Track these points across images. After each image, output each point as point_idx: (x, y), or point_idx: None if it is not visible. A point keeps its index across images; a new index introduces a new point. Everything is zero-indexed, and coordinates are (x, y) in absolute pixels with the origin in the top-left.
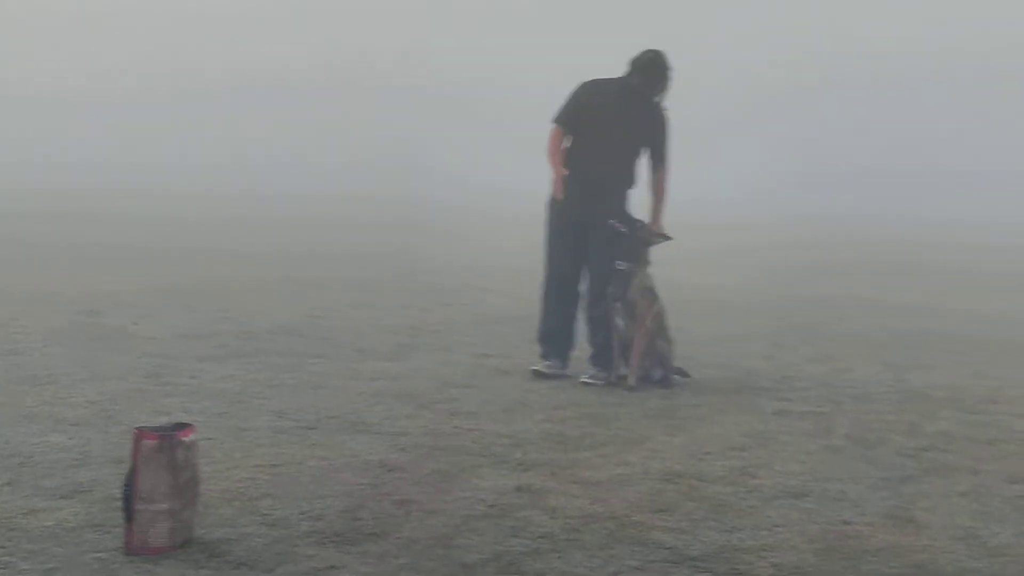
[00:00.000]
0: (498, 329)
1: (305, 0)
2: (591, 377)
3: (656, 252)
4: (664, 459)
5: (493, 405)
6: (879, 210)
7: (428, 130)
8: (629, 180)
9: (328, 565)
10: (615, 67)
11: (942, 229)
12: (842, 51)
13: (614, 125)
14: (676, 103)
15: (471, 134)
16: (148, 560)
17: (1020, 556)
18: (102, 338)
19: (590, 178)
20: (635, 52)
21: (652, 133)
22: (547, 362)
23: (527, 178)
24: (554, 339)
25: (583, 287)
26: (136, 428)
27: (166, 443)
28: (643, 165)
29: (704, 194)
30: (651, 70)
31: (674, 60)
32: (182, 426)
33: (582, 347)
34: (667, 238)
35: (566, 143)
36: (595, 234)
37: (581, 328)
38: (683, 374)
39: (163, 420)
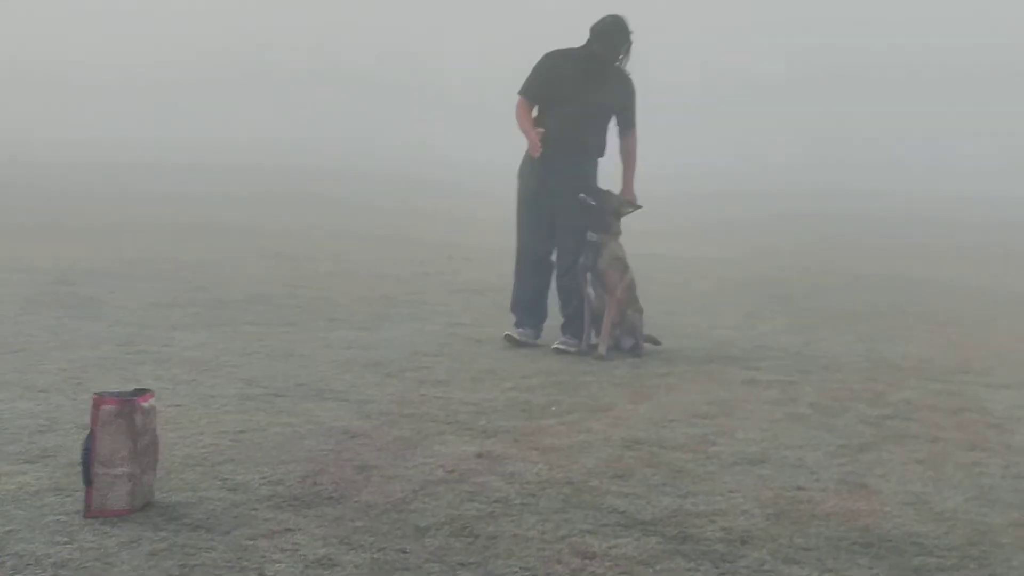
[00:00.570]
0: (474, 300)
1: None
2: (563, 343)
3: (639, 222)
4: (627, 427)
5: (462, 373)
6: (882, 187)
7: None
8: (597, 149)
9: (284, 528)
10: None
11: (943, 206)
12: (859, 40)
13: (579, 94)
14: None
15: (439, 109)
16: (107, 522)
17: (966, 520)
18: (75, 307)
19: (558, 148)
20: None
21: (618, 99)
22: (520, 330)
23: (499, 153)
24: (527, 309)
25: (555, 257)
26: (95, 393)
27: (125, 408)
28: (612, 132)
29: (717, 162)
30: (609, 35)
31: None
32: (142, 391)
33: (554, 316)
34: (636, 207)
35: (533, 114)
36: (565, 204)
37: (553, 298)
38: (654, 342)
39: (131, 387)
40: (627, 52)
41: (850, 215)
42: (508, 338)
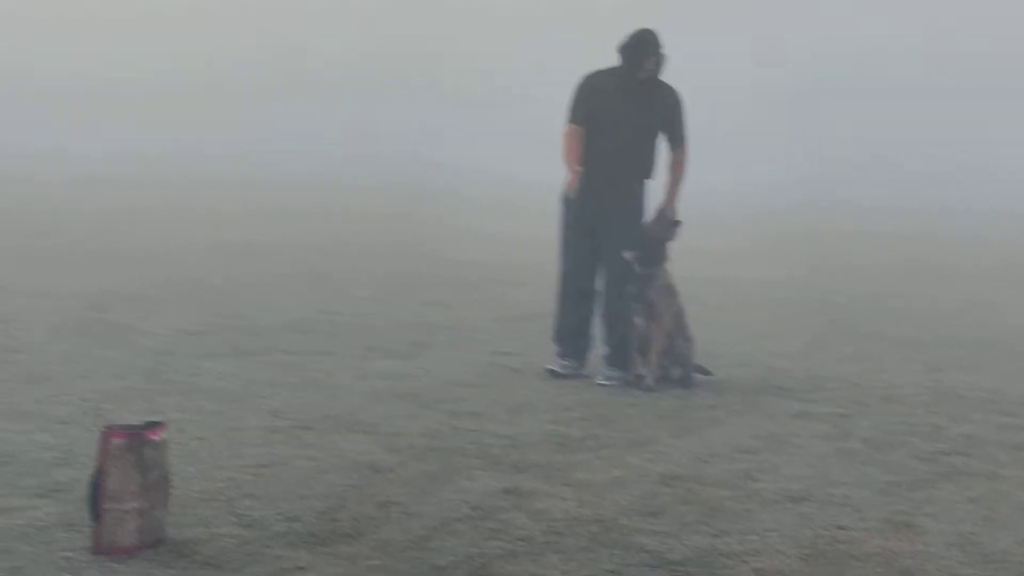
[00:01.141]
0: (518, 327)
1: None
2: (607, 379)
3: (692, 242)
4: (666, 462)
5: (499, 405)
6: (920, 204)
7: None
8: (644, 170)
9: (296, 566)
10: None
11: (990, 224)
12: (881, 46)
13: (622, 114)
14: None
15: (477, 123)
16: (115, 559)
17: (1016, 563)
18: (104, 335)
19: (603, 173)
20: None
21: (664, 115)
22: (564, 362)
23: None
24: (571, 339)
25: (599, 285)
26: (104, 427)
27: (135, 442)
28: (661, 152)
29: (747, 179)
30: (634, 50)
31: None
32: (152, 424)
33: (599, 346)
34: (677, 224)
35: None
36: (611, 230)
37: (598, 327)
38: (704, 372)
39: (157, 419)
40: (659, 65)
41: (910, 234)
42: (550, 371)
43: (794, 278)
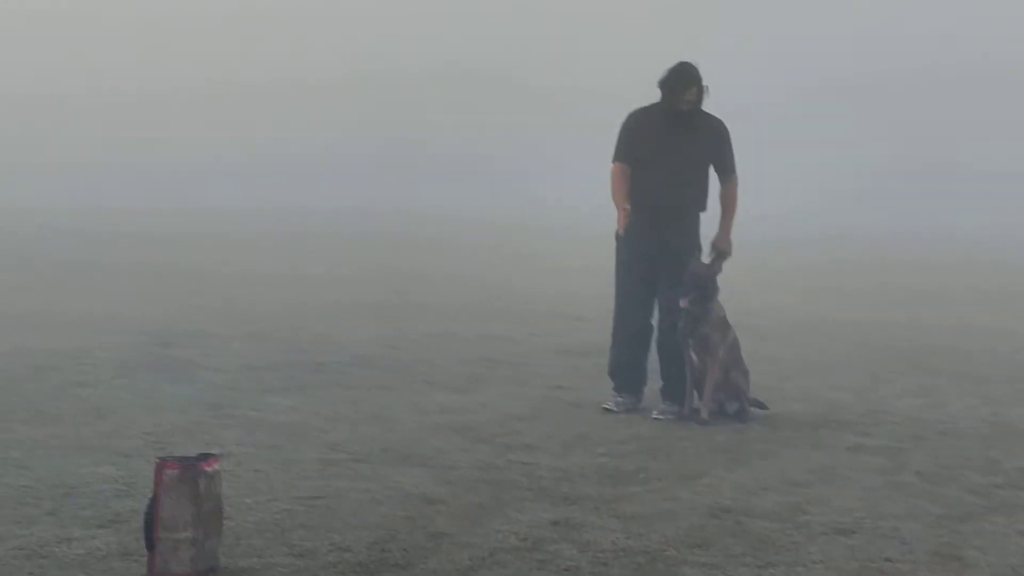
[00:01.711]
0: (579, 361)
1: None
2: (661, 413)
3: (748, 272)
4: (716, 494)
5: (553, 439)
6: (953, 227)
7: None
8: (696, 204)
9: None
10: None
11: None
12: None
13: (668, 149)
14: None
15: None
16: None
17: None
18: (169, 370)
19: (654, 208)
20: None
21: (711, 147)
22: (619, 398)
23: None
24: (626, 374)
25: (654, 320)
26: (158, 458)
27: (188, 473)
28: (712, 185)
29: (771, 208)
30: (674, 83)
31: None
32: (207, 456)
33: (655, 379)
34: (726, 256)
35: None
36: (666, 265)
37: (654, 360)
38: (760, 406)
39: (216, 452)
40: (700, 97)
41: (977, 261)
42: (605, 410)
43: (849, 308)
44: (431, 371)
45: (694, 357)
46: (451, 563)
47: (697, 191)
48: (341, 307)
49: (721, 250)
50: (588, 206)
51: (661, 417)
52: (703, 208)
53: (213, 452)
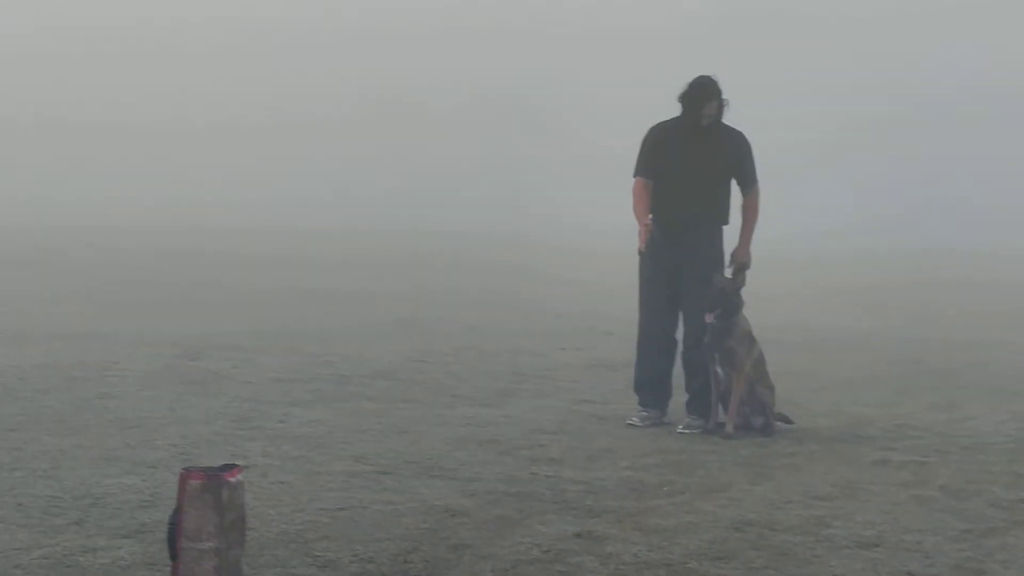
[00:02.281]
0: (606, 375)
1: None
2: (687, 427)
3: (777, 288)
4: (739, 508)
5: (578, 452)
6: (993, 247)
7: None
8: (718, 216)
9: None
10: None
11: None
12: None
13: (689, 162)
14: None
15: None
16: None
17: None
18: (196, 382)
19: (677, 222)
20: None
21: (732, 159)
22: (644, 412)
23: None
24: (651, 388)
25: (679, 333)
26: (183, 468)
27: (212, 483)
28: (735, 197)
29: (826, 224)
30: (693, 97)
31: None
32: (229, 467)
33: (679, 393)
34: (746, 268)
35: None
36: (689, 278)
37: (678, 373)
38: (786, 421)
39: (240, 463)
40: (720, 110)
41: (1002, 280)
42: (630, 426)
43: (882, 325)
44: (456, 384)
45: (719, 371)
46: (473, 575)
47: (719, 204)
48: (371, 324)
49: (741, 262)
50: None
51: (686, 431)
52: (725, 221)
53: (234, 463)
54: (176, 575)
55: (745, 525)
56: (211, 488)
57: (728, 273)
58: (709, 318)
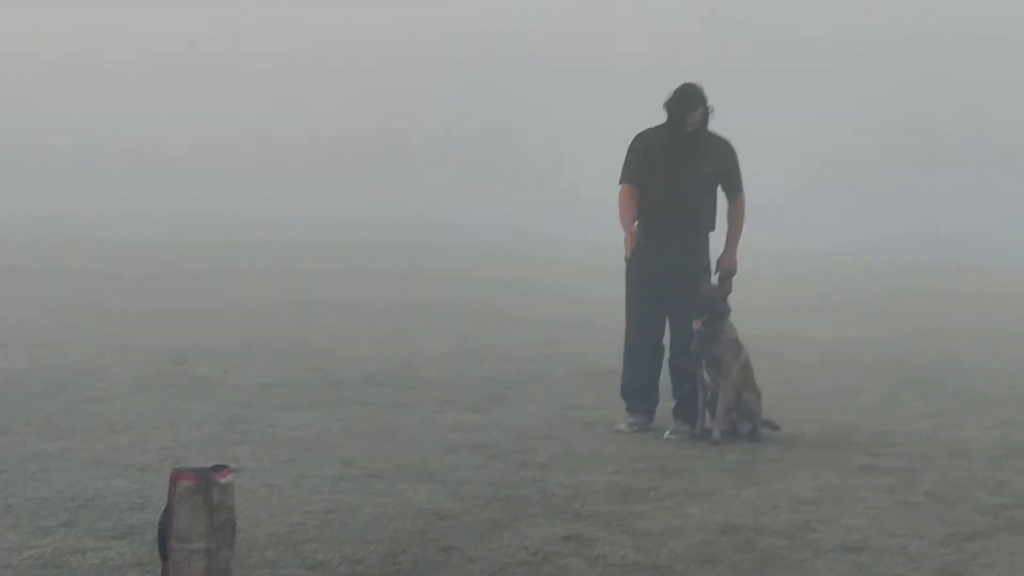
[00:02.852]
0: (593, 381)
1: None
2: (673, 433)
3: (772, 300)
4: (725, 512)
5: (566, 457)
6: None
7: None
8: (706, 224)
9: None
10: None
11: None
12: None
13: (675, 169)
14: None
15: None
16: None
17: None
18: (185, 387)
19: (663, 229)
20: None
21: (718, 166)
22: (631, 418)
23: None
24: (638, 394)
25: (666, 340)
26: (173, 469)
27: (202, 484)
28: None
29: (829, 241)
30: (678, 104)
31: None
32: (219, 468)
33: (667, 399)
34: (732, 274)
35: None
36: (676, 285)
37: (665, 379)
38: (773, 427)
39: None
40: (705, 118)
41: (993, 295)
42: (618, 432)
43: (874, 337)
44: (445, 390)
45: (707, 378)
46: None
47: (705, 211)
48: (360, 333)
49: (726, 269)
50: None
51: (673, 437)
52: (711, 228)
53: (223, 464)
54: (166, 575)
55: (731, 529)
56: (202, 489)
57: (714, 280)
58: (696, 325)
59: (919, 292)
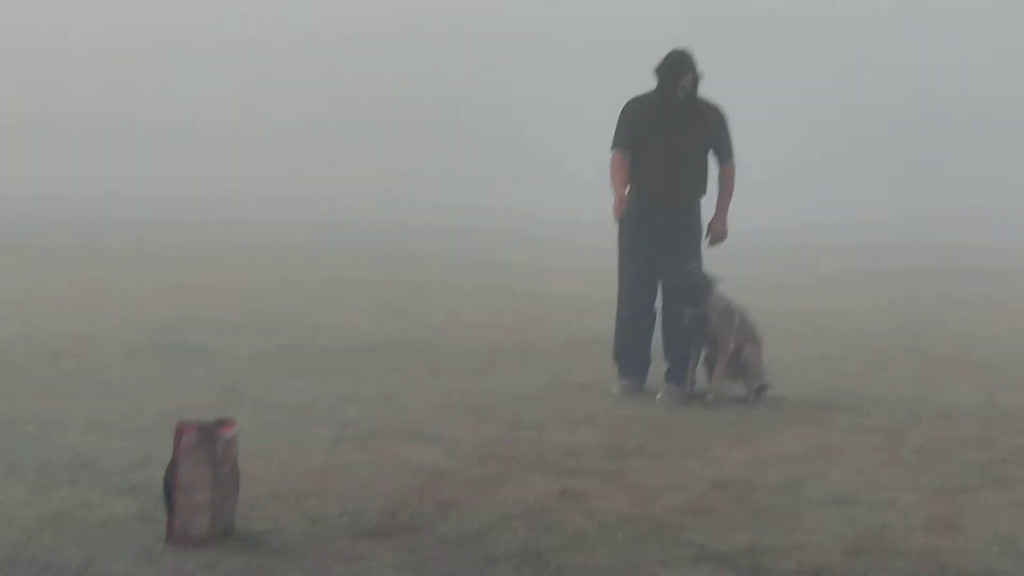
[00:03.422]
0: (585, 349)
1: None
2: (666, 394)
3: (769, 275)
4: (718, 468)
5: (560, 418)
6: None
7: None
8: (696, 189)
9: (358, 555)
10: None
11: None
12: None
13: (666, 135)
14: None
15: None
16: (187, 548)
17: None
18: (181, 355)
19: (655, 194)
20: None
21: (710, 132)
22: (623, 381)
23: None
24: (630, 357)
25: (658, 303)
26: (178, 422)
27: (206, 437)
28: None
29: (825, 216)
30: (669, 70)
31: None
32: (223, 421)
33: (659, 362)
34: (722, 239)
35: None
36: (668, 249)
37: (657, 343)
38: (763, 388)
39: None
40: (695, 84)
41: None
42: (611, 395)
43: (869, 308)
44: (439, 358)
45: (702, 350)
46: (461, 528)
47: (696, 176)
48: (355, 307)
49: (717, 232)
50: None
51: (666, 399)
52: (703, 192)
53: (227, 418)
54: (171, 527)
55: (724, 484)
56: (206, 442)
57: (705, 244)
58: (689, 312)
59: (919, 268)
